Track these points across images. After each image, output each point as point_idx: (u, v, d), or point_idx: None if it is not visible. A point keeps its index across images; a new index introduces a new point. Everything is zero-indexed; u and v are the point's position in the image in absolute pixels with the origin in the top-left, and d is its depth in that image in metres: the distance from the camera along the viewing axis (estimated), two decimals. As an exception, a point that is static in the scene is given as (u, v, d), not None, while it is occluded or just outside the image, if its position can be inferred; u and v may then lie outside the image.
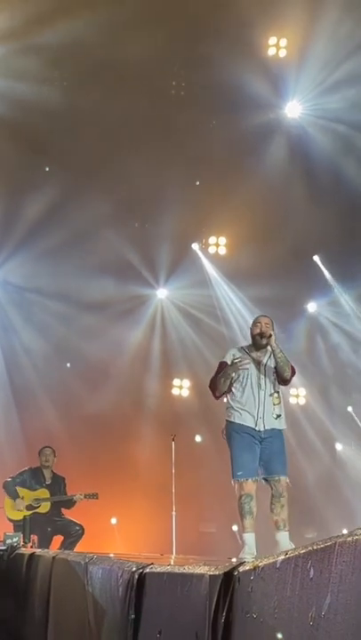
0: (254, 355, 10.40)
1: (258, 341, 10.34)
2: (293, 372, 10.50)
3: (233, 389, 10.26)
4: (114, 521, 18.29)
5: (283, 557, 3.77)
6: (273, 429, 10.13)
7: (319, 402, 19.45)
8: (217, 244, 19.58)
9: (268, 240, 18.52)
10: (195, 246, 19.56)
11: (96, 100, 17.15)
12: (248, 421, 10.08)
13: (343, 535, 3.36)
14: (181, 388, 19.81)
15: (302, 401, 20.02)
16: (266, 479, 10.05)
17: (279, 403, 10.25)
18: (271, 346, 10.24)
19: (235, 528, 18.56)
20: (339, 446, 19.79)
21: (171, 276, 19.35)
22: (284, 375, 10.29)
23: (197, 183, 18.38)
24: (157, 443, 17.30)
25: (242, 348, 10.70)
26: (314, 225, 18.67)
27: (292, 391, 19.85)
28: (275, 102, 18.43)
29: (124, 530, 18.23)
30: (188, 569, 4.93)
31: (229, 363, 10.37)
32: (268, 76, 18.06)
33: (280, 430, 10.26)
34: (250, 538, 9.78)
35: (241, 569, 4.20)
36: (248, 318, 19.37)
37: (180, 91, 17.49)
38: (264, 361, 10.33)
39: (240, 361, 10.23)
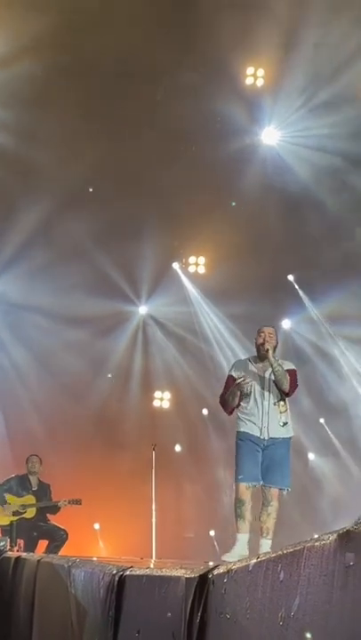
0: (257, 367, 10.34)
1: (260, 351, 10.28)
2: (294, 387, 10.38)
3: (241, 402, 10.22)
4: (97, 526, 18.26)
5: (255, 561, 3.78)
6: (278, 438, 10.11)
7: (293, 414, 19.40)
8: (196, 264, 19.57)
9: (245, 260, 18.53)
10: (175, 265, 19.57)
11: (81, 129, 17.17)
12: (253, 430, 10.06)
13: (311, 540, 3.38)
14: (162, 400, 19.79)
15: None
16: (262, 485, 10.07)
17: (286, 410, 10.21)
18: (269, 360, 10.16)
19: (212, 533, 18.60)
20: (311, 456, 19.80)
21: (153, 294, 19.37)
22: (282, 388, 10.19)
23: (179, 205, 18.33)
24: (139, 452, 17.24)
25: (247, 359, 10.68)
26: (288, 246, 18.73)
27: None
28: (252, 129, 18.49)
29: (106, 535, 18.21)
30: (165, 572, 4.94)
31: (234, 375, 10.34)
32: (246, 104, 18.15)
33: (286, 439, 10.24)
34: (242, 538, 9.83)
35: (215, 572, 4.21)
36: (225, 334, 19.50)
37: (161, 117, 17.49)
38: (267, 374, 10.24)
39: (243, 380, 10.16)
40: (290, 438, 10.33)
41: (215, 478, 18.80)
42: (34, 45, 16.12)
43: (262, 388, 10.20)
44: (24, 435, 17.47)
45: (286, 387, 10.19)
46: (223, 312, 19.45)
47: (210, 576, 4.24)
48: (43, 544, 14.70)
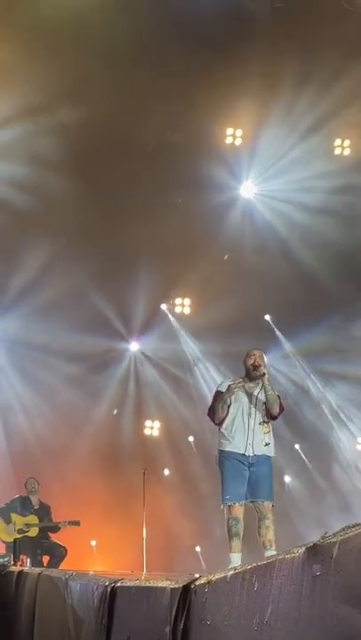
0: (247, 386, 9.91)
1: (251, 372, 9.86)
2: (282, 410, 10.03)
3: (225, 419, 9.79)
4: (93, 543, 18.17)
5: (232, 572, 3.78)
6: (262, 455, 9.71)
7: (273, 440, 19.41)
8: (182, 305, 19.61)
9: (226, 302, 18.56)
10: (163, 306, 19.60)
11: (76, 183, 17.28)
12: (238, 448, 9.63)
13: (283, 553, 3.38)
14: (152, 428, 19.75)
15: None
16: (253, 501, 9.64)
17: (269, 432, 9.78)
18: (264, 383, 9.76)
19: (198, 549, 18.53)
20: (287, 478, 19.75)
21: (143, 332, 19.39)
22: (272, 411, 9.81)
23: (166, 253, 18.40)
24: (131, 475, 17.20)
25: (235, 379, 10.12)
26: (265, 289, 18.78)
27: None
28: (231, 184, 18.65)
29: (102, 551, 18.12)
30: (152, 583, 4.93)
31: (223, 391, 9.93)
32: (226, 162, 18.33)
33: (269, 457, 9.83)
34: (236, 558, 9.40)
35: (197, 582, 4.20)
36: (210, 369, 19.52)
37: (150, 174, 17.61)
38: (255, 393, 9.83)
39: (234, 384, 9.81)
40: (271, 457, 9.90)
41: (200, 500, 18.75)
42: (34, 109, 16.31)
43: (249, 406, 9.79)
44: (26, 460, 17.40)
45: (277, 409, 9.85)
46: (207, 349, 19.49)
47: (192, 586, 4.24)
48: (44, 559, 14.65)
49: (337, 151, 18.41)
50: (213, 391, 10.46)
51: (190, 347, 19.66)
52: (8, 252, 17.72)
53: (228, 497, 9.56)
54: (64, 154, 17.03)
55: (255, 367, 9.84)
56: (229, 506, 9.54)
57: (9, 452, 18.13)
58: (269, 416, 9.85)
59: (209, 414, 10.12)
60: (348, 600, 2.69)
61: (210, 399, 19.43)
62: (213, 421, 10.01)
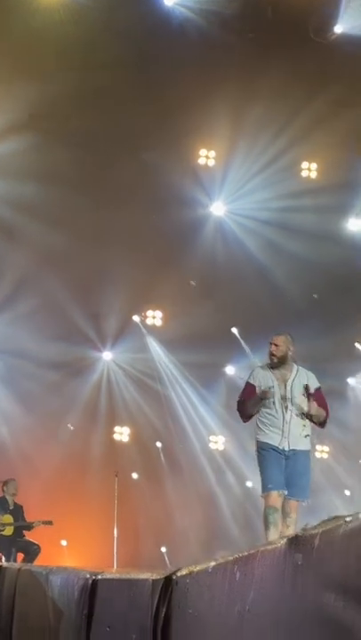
0: (276, 375, 8.98)
1: (272, 361, 9.00)
2: (327, 410, 9.05)
3: (260, 410, 8.91)
4: (64, 543, 18.12)
5: (214, 563, 3.83)
6: (299, 450, 8.84)
7: (236, 448, 19.47)
8: (154, 317, 19.63)
9: (195, 315, 18.63)
10: (135, 318, 19.62)
11: (53, 198, 17.33)
12: (274, 440, 8.74)
13: (265, 544, 3.44)
14: (122, 434, 19.74)
15: (221, 447, 20.10)
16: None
17: (306, 424, 8.90)
18: (310, 411, 8.81)
19: (163, 549, 18.54)
20: (249, 483, 19.77)
21: (116, 342, 19.38)
22: (320, 422, 9.01)
23: (138, 267, 18.45)
24: (102, 478, 17.25)
25: (264, 367, 9.21)
26: (233, 303, 18.86)
27: (212, 438, 19.99)
28: (204, 202, 18.80)
29: (72, 550, 18.08)
30: (133, 575, 4.97)
31: (254, 383, 9.02)
32: (199, 181, 18.53)
33: (306, 451, 8.96)
34: None
35: (179, 574, 4.25)
36: (179, 378, 19.58)
37: (126, 192, 17.70)
38: (289, 382, 8.93)
39: (269, 389, 8.83)
40: (309, 451, 9.09)
41: (166, 503, 18.79)
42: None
43: (284, 398, 8.86)
44: (2, 461, 17.34)
45: (323, 419, 9.03)
46: (177, 359, 19.52)
47: (174, 577, 4.28)
48: (19, 557, 14.62)
49: (304, 173, 18.62)
50: (244, 382, 9.50)
51: (161, 357, 19.69)
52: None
53: (270, 485, 8.68)
54: (39, 170, 17.10)
55: (270, 355, 9.03)
56: (267, 495, 8.69)
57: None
58: (310, 415, 8.92)
59: (239, 409, 9.19)
60: (329, 587, 2.75)
61: (178, 407, 19.63)
62: (242, 419, 9.22)
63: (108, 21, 16.13)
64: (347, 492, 19.83)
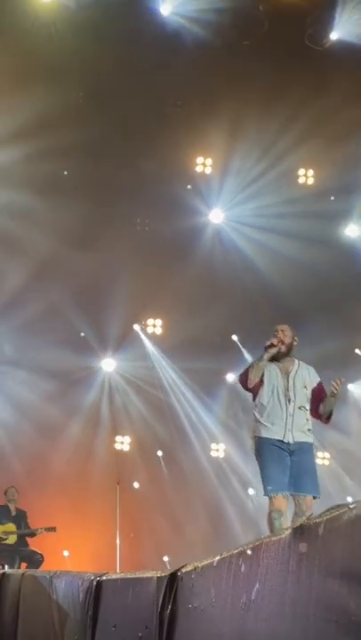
0: (278, 365, 8.57)
1: (279, 350, 8.50)
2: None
3: (260, 402, 8.44)
4: (66, 553, 18.09)
5: (219, 557, 3.85)
6: (303, 442, 8.37)
7: (239, 454, 19.44)
8: (154, 325, 19.66)
9: (196, 323, 18.65)
10: (136, 327, 19.64)
11: (54, 207, 17.40)
12: (277, 434, 8.25)
13: (269, 536, 3.46)
14: (123, 443, 19.71)
15: (222, 454, 20.07)
16: (293, 494, 8.21)
17: (309, 418, 8.48)
18: (328, 400, 8.46)
19: (165, 558, 18.51)
20: (251, 491, 19.75)
21: (117, 351, 19.39)
22: (325, 419, 8.64)
23: (138, 276, 18.48)
24: (103, 487, 17.24)
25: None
26: (232, 310, 18.88)
27: (213, 446, 19.97)
28: (202, 210, 18.87)
29: (74, 560, 18.04)
30: (138, 574, 4.98)
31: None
32: (197, 189, 18.64)
33: (311, 444, 8.47)
34: None
35: (183, 570, 4.26)
36: (180, 385, 19.58)
37: (124, 198, 17.79)
38: (291, 374, 8.54)
39: (273, 343, 8.43)
40: (313, 444, 8.57)
41: (168, 512, 18.77)
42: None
43: (286, 389, 8.43)
44: (4, 470, 17.33)
45: (331, 411, 8.59)
46: (178, 366, 19.52)
47: (179, 574, 4.30)
48: (22, 567, 14.59)
49: (301, 180, 18.70)
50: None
51: (162, 365, 19.71)
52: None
53: (270, 487, 8.13)
54: (39, 180, 17.18)
55: (277, 343, 8.55)
56: (271, 497, 8.10)
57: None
58: (322, 418, 8.62)
59: (240, 379, 8.73)
60: (334, 574, 2.76)
61: (181, 415, 19.60)
62: (244, 386, 8.61)
63: (104, 32, 16.21)
64: (349, 499, 19.80)
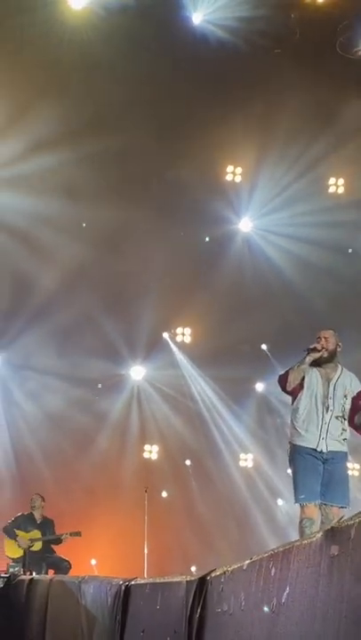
0: (320, 371, 8.43)
1: (321, 356, 8.40)
2: None
3: (298, 407, 8.36)
4: (93, 562, 18.08)
5: (249, 561, 3.84)
6: (338, 452, 8.27)
7: (268, 464, 19.39)
8: (183, 334, 19.65)
9: (225, 331, 18.67)
10: (165, 335, 19.65)
11: (85, 216, 17.49)
12: (310, 443, 8.19)
13: (299, 540, 3.45)
14: (151, 452, 19.70)
15: (250, 464, 20.00)
16: (323, 504, 8.19)
17: (346, 429, 8.32)
18: None
19: (193, 568, 18.45)
20: (280, 501, 19.67)
21: (146, 359, 19.40)
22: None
23: (168, 284, 18.50)
24: (132, 497, 17.21)
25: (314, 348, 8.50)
26: (262, 320, 18.86)
27: (242, 455, 19.91)
28: (232, 218, 18.94)
29: (101, 569, 18.04)
30: (167, 579, 4.96)
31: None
32: (227, 198, 18.65)
33: (345, 453, 8.35)
34: None
35: (213, 574, 4.25)
36: (210, 394, 19.55)
37: (155, 207, 17.83)
38: (333, 381, 8.38)
39: (316, 347, 8.35)
40: (347, 453, 8.43)
41: (196, 521, 18.73)
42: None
43: (325, 398, 8.30)
44: (33, 477, 17.38)
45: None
46: (207, 375, 19.50)
47: (208, 578, 4.29)
48: (50, 574, 14.58)
49: (331, 189, 18.67)
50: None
51: (191, 373, 19.70)
52: (21, 280, 17.83)
53: (302, 496, 8.12)
54: (71, 187, 17.28)
55: (320, 349, 8.43)
56: (303, 505, 8.12)
57: (18, 471, 18.11)
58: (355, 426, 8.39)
59: (280, 382, 8.59)
60: (365, 576, 2.76)
61: (210, 424, 19.55)
62: (284, 389, 8.55)
63: (135, 40, 16.26)
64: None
